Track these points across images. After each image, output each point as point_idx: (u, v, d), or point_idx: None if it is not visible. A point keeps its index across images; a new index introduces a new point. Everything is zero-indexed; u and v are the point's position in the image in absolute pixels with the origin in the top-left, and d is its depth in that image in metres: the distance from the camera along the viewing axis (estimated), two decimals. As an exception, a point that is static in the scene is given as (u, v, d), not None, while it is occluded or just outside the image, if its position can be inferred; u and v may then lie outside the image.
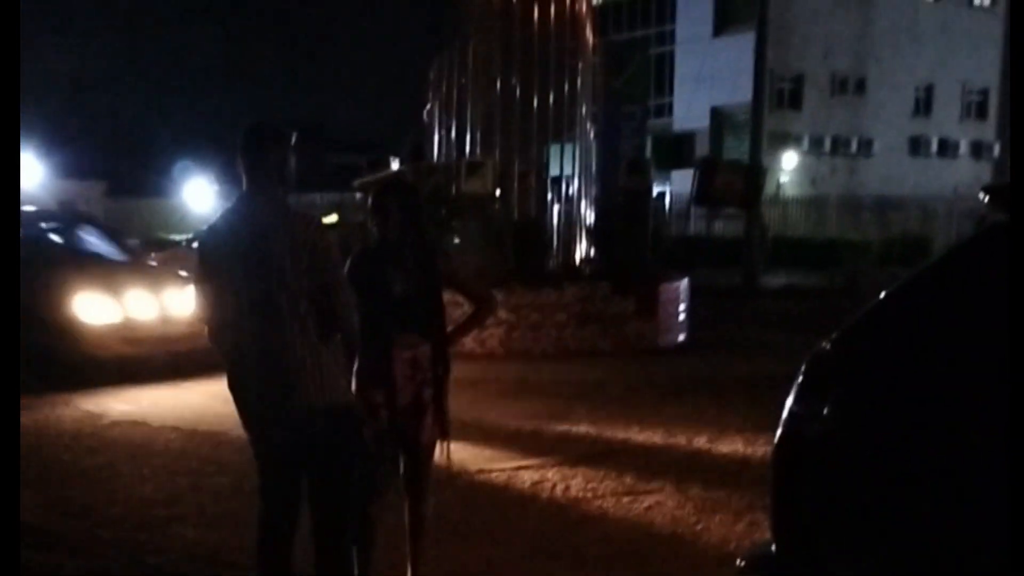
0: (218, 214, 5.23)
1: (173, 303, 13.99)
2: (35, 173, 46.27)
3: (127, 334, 13.50)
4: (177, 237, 41.38)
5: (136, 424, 10.93)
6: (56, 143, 48.54)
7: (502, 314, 15.43)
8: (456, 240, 16.10)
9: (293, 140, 5.16)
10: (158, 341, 13.63)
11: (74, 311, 13.23)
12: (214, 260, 5.05)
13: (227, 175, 55.27)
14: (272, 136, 5.11)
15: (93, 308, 13.35)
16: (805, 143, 42.21)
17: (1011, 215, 3.96)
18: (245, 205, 5.07)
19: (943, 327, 4.13)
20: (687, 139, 41.35)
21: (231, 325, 5.03)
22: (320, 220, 5.19)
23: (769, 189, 32.76)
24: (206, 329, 5.15)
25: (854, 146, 43.19)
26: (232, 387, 5.11)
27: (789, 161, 41.63)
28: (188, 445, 9.92)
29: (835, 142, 42.99)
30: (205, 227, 5.42)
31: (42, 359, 12.53)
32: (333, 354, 5.05)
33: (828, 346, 4.35)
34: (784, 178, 40.85)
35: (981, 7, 47.88)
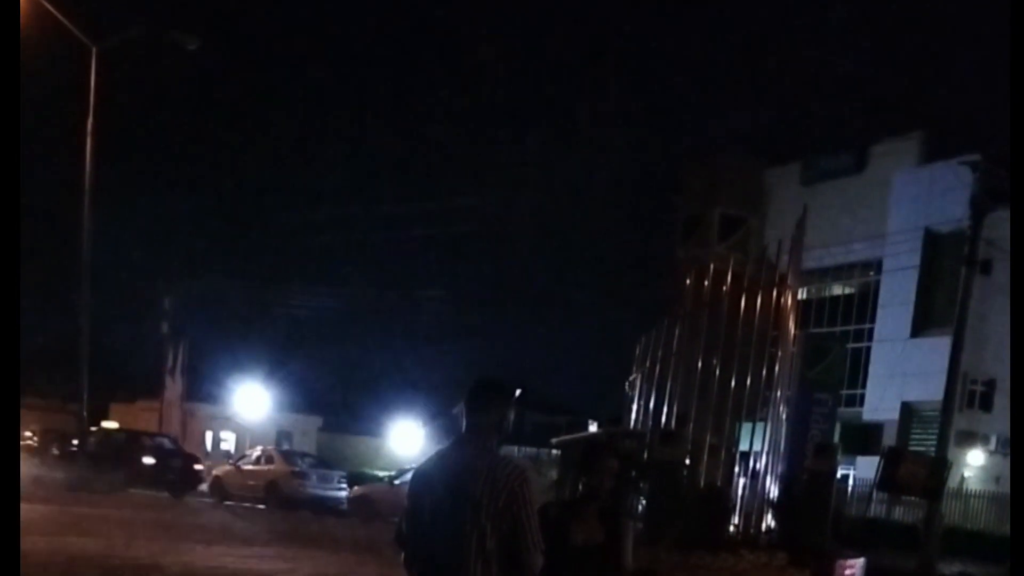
0: (433, 454, 5.48)
1: None
2: (262, 404, 48.24)
3: None
4: (380, 474, 42.28)
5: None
6: (281, 378, 50.52)
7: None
8: (642, 502, 16.30)
9: (516, 396, 5.38)
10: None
11: None
12: (419, 491, 5.29)
13: (432, 421, 56.44)
14: (498, 390, 5.30)
15: None
16: (993, 443, 41.06)
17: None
18: (458, 448, 5.25)
19: None
20: (875, 428, 40.78)
21: (421, 556, 5.21)
22: (524, 469, 5.26)
23: (953, 483, 31.94)
24: (402, 555, 5.35)
25: (1043, 450, 41.91)
26: None
27: (975, 458, 40.55)
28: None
29: (1023, 445, 41.83)
30: (418, 464, 5.71)
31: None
32: None
33: None
34: (968, 473, 39.73)
35: None
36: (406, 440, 53.67)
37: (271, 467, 36.59)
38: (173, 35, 31.44)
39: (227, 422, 51.24)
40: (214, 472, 38.93)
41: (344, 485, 36.82)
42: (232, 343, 57.54)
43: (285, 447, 47.57)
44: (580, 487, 5.71)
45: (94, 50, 30.59)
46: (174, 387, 45.50)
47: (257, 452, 38.74)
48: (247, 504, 34.80)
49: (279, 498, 34.75)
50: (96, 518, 23.48)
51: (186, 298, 47.11)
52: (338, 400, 58.57)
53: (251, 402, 48.23)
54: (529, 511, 5.09)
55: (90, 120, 30.93)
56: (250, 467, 37.25)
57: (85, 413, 33.41)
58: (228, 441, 52.06)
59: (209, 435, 52.55)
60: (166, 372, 45.57)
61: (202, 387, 49.33)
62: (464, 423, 5.31)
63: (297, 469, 36.53)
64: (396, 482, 34.73)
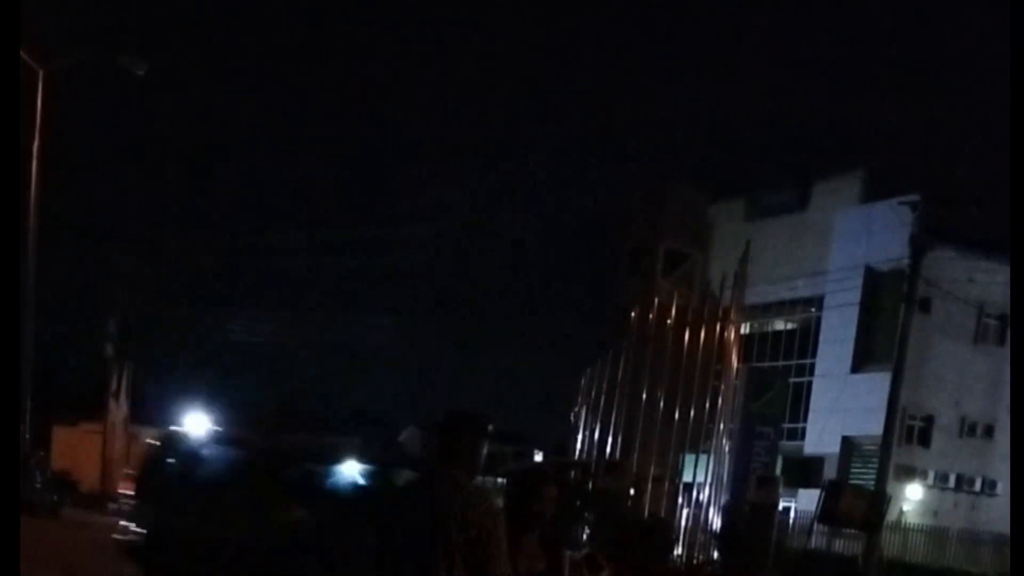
0: (405, 483, 5.49)
1: None
2: (206, 428, 47.98)
3: None
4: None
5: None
6: (226, 403, 50.16)
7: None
8: (586, 531, 16.23)
9: (488, 429, 5.32)
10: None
11: None
12: (390, 521, 5.22)
13: (375, 450, 56.21)
14: (470, 423, 5.29)
15: None
16: (931, 477, 41.40)
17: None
18: (430, 479, 5.25)
19: None
20: (816, 462, 40.96)
21: None
22: (495, 503, 5.28)
23: (892, 516, 32.09)
24: None
25: (978, 485, 42.18)
26: None
27: (913, 492, 40.83)
28: None
29: (959, 479, 42.05)
30: (392, 495, 5.68)
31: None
32: None
33: None
34: (907, 507, 39.98)
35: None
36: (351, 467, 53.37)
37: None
38: (122, 59, 31.13)
39: (171, 446, 50.73)
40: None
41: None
42: (177, 366, 57.09)
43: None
44: (521, 515, 5.61)
45: (40, 73, 30.26)
46: (118, 410, 44.95)
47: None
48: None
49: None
50: (36, 542, 23.08)
51: (131, 321, 46.70)
52: (284, 425, 58.16)
53: (196, 426, 47.74)
54: (498, 545, 5.06)
55: (36, 143, 30.54)
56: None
57: (27, 435, 32.90)
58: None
59: (153, 459, 52.00)
60: (110, 395, 44.99)
61: (147, 410, 48.78)
62: (436, 455, 5.26)
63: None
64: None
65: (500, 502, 5.52)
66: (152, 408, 49.19)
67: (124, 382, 44.78)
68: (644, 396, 18.91)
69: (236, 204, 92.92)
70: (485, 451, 5.31)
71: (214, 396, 49.40)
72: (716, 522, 19.26)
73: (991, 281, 38.56)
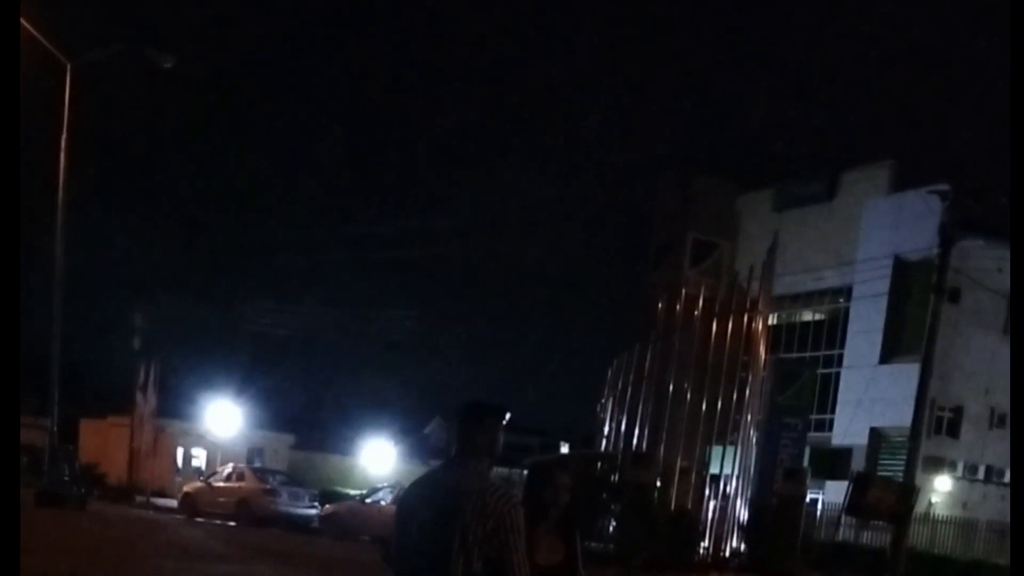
0: (424, 474, 5.45)
1: None
2: (233, 421, 48.02)
3: None
4: (352, 492, 42.14)
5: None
6: (253, 396, 50.31)
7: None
8: (612, 523, 16.25)
9: (506, 419, 5.29)
10: None
11: None
12: (408, 509, 5.26)
13: (404, 440, 56.35)
14: (490, 413, 5.27)
15: None
16: (960, 469, 41.25)
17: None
18: (448, 470, 5.22)
19: None
20: (844, 454, 40.87)
21: (407, 570, 5.16)
22: (514, 495, 5.21)
23: (920, 508, 31.98)
24: (391, 569, 5.30)
25: (1007, 476, 41.98)
26: None
27: (942, 484, 40.69)
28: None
29: (989, 471, 41.86)
30: (409, 484, 5.66)
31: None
32: None
33: None
34: (936, 499, 39.84)
35: None
36: (377, 459, 53.42)
37: (242, 484, 36.32)
38: (149, 53, 31.27)
39: (199, 439, 50.83)
40: (185, 489, 38.65)
41: (315, 503, 36.60)
42: (205, 360, 57.28)
43: (256, 464, 47.23)
44: (535, 504, 5.61)
45: (68, 66, 30.41)
46: (145, 403, 45.02)
47: (228, 469, 38.46)
48: (217, 521, 34.51)
49: (250, 515, 34.49)
50: (65, 534, 23.23)
51: (158, 314, 46.86)
52: (310, 418, 58.37)
53: (223, 419, 47.86)
54: (516, 537, 5.03)
55: (64, 136, 30.72)
56: (221, 484, 36.97)
57: (55, 428, 33.07)
58: (199, 458, 51.64)
59: (180, 452, 52.14)
60: (137, 388, 45.09)
61: (174, 404, 48.92)
62: (455, 445, 5.26)
63: (268, 486, 36.26)
64: (367, 500, 34.55)
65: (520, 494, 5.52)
66: (179, 402, 49.44)
67: (152, 376, 44.88)
68: (671, 388, 18.87)
69: (266, 197, 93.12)
70: (502, 441, 5.27)
71: (240, 390, 49.59)
72: (743, 514, 19.22)
73: (1021, 271, 38.39)
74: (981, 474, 41.78)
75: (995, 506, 41.10)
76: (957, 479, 41.28)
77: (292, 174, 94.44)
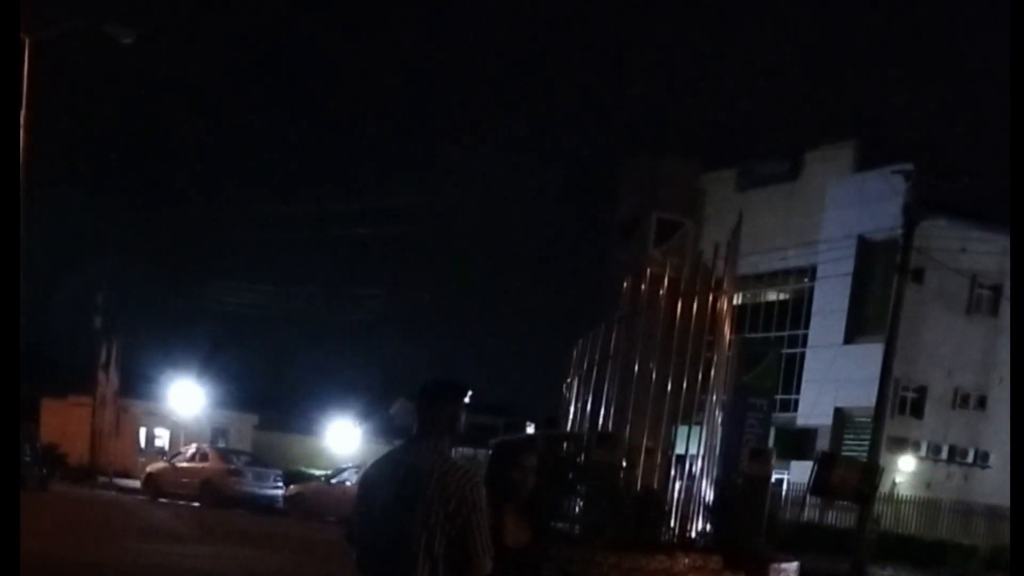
0: (385, 453, 5.44)
1: None
2: (196, 401, 47.87)
3: None
4: (317, 472, 42.16)
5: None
6: (216, 376, 50.16)
7: None
8: (578, 504, 16.24)
9: (467, 397, 5.30)
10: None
11: None
12: (370, 489, 5.25)
13: (368, 420, 56.33)
14: (451, 391, 5.28)
15: None
16: (923, 449, 41.54)
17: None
18: (409, 449, 5.21)
19: None
20: (809, 434, 41.12)
21: (371, 556, 5.16)
22: (475, 474, 5.24)
23: (884, 488, 32.21)
24: (355, 555, 5.28)
25: (971, 456, 42.36)
26: None
27: (906, 464, 41.00)
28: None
29: (952, 451, 42.20)
30: (370, 463, 5.60)
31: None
32: None
33: None
34: (900, 479, 40.15)
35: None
36: (342, 439, 53.42)
37: (206, 464, 36.25)
38: (109, 27, 30.92)
39: (161, 419, 50.62)
40: (148, 469, 38.53)
41: (280, 483, 36.58)
42: (167, 339, 57.05)
43: (220, 445, 47.19)
44: (500, 485, 5.57)
45: (27, 41, 30.09)
46: (107, 383, 44.84)
47: (192, 449, 38.37)
48: (181, 502, 34.45)
49: (214, 496, 34.44)
50: (26, 515, 23.05)
51: (120, 293, 46.58)
52: (274, 398, 58.20)
53: (186, 399, 47.67)
54: (479, 516, 5.04)
55: (23, 112, 30.40)
56: (185, 464, 36.88)
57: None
58: (162, 438, 51.40)
59: (143, 432, 51.90)
60: (99, 368, 44.89)
61: (136, 383, 48.69)
62: (416, 423, 5.25)
63: (232, 467, 36.22)
64: (332, 481, 34.56)
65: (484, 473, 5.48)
66: (141, 381, 49.20)
67: (113, 355, 44.66)
68: (636, 368, 18.82)
69: (226, 175, 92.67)
70: (464, 419, 5.26)
71: (203, 370, 49.39)
72: (709, 494, 19.24)
73: (984, 251, 38.63)
74: (944, 454, 42.13)
75: (958, 486, 41.48)
76: (921, 459, 41.61)
77: (256, 152, 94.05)
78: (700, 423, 19.11)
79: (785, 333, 43.96)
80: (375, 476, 5.30)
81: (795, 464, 37.50)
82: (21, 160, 30.81)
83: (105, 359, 44.29)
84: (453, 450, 5.26)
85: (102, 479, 40.49)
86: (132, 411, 50.34)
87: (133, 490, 37.85)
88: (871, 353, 33.72)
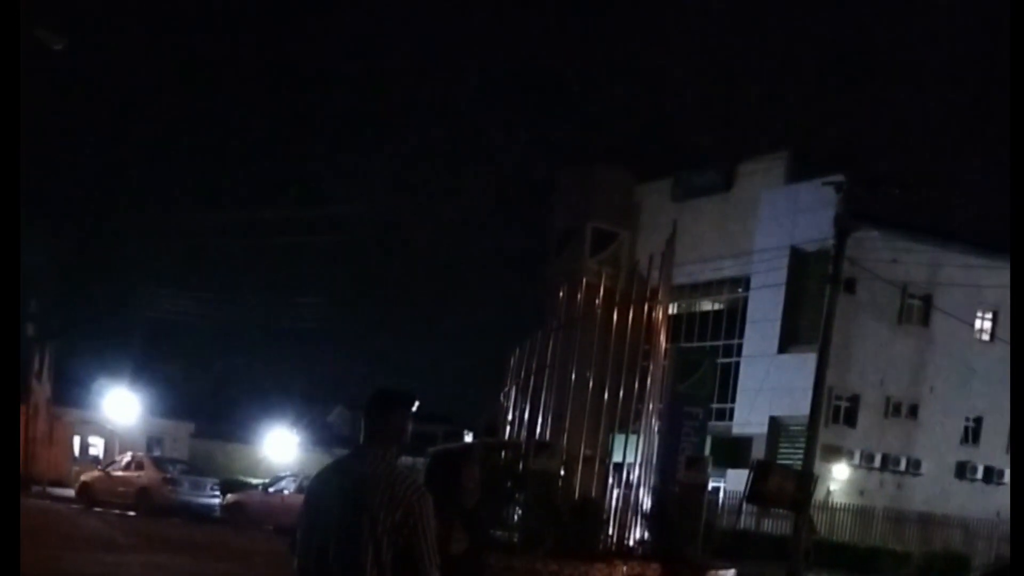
0: (331, 463, 5.43)
1: None
2: (132, 409, 47.40)
3: None
4: (254, 481, 41.95)
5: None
6: (151, 383, 49.71)
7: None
8: (517, 512, 16.40)
9: (415, 407, 5.30)
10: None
11: None
12: (315, 498, 5.25)
13: (306, 428, 56.05)
14: (400, 400, 5.28)
15: None
16: (857, 457, 41.98)
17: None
18: (356, 458, 5.22)
19: None
20: (744, 442, 41.44)
21: (315, 567, 5.11)
22: (422, 484, 5.24)
23: (819, 495, 32.64)
24: (295, 558, 5.24)
25: (903, 464, 42.87)
26: None
27: (840, 472, 41.46)
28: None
29: (885, 459, 42.66)
30: (316, 472, 5.64)
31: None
32: None
33: None
34: (834, 487, 40.60)
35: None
36: (280, 447, 53.15)
37: (142, 473, 36.00)
38: (39, 33, 30.66)
39: (96, 427, 50.07)
40: (82, 478, 38.19)
41: (217, 492, 36.39)
42: (101, 347, 56.39)
43: (156, 453, 46.81)
44: (443, 496, 5.60)
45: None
46: (41, 391, 44.40)
47: (127, 458, 38.05)
48: (116, 511, 34.17)
49: (150, 505, 34.22)
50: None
51: (53, 300, 46.08)
52: (210, 406, 57.77)
53: (121, 407, 47.17)
54: (426, 525, 5.06)
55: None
56: (120, 473, 36.61)
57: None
58: (97, 446, 50.91)
59: (77, 440, 51.38)
60: (32, 375, 44.42)
61: (70, 391, 48.19)
62: (363, 432, 5.26)
63: (168, 475, 35.98)
64: (270, 489, 34.44)
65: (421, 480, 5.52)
66: (75, 389, 48.67)
67: (47, 362, 44.23)
68: (573, 377, 19.02)
69: (161, 181, 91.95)
70: (411, 428, 5.29)
71: (138, 377, 48.94)
72: (646, 502, 19.46)
73: (914, 261, 39.20)
74: (877, 462, 42.63)
75: (891, 493, 42.00)
76: (854, 467, 42.10)
77: (193, 158, 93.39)
78: (637, 432, 19.33)
79: (720, 343, 44.31)
80: (322, 485, 5.30)
81: (731, 472, 37.83)
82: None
83: (38, 366, 43.83)
84: (399, 459, 5.31)
85: (35, 488, 40.04)
86: (66, 419, 49.81)
87: (67, 499, 37.50)
88: (805, 362, 34.08)
